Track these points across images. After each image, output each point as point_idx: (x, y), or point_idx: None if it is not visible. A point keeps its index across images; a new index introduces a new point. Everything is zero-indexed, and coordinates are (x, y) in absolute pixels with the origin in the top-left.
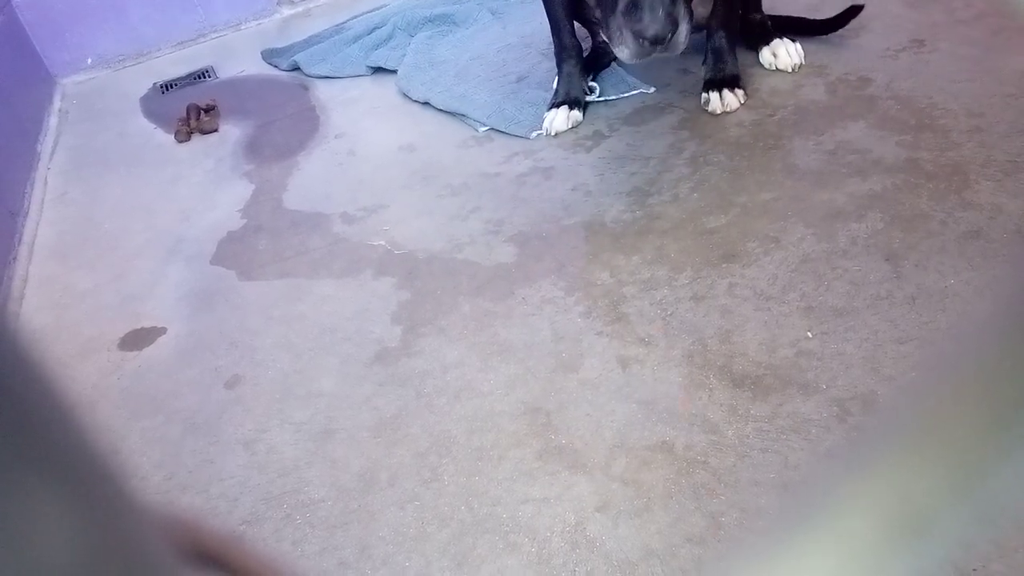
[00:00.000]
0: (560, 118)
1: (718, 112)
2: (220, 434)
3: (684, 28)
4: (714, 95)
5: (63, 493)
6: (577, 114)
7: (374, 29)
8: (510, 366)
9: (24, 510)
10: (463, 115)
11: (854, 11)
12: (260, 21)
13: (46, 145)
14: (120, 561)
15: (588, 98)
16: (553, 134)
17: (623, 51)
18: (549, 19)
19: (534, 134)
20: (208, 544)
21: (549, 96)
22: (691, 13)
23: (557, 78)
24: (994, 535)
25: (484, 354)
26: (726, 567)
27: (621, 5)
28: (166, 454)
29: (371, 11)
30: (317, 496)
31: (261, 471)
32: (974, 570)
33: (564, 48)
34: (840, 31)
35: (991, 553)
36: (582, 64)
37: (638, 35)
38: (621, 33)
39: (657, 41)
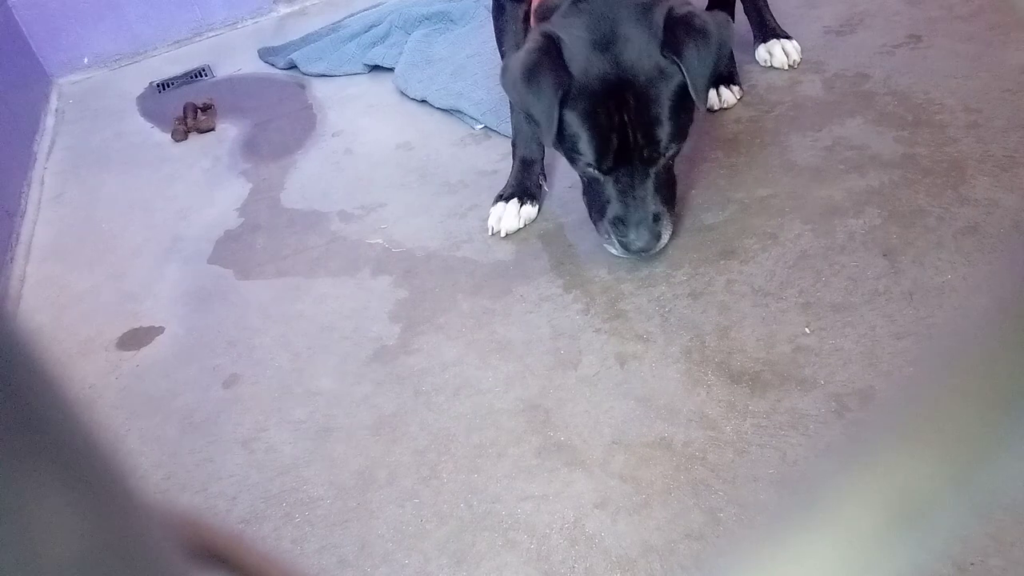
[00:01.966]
0: (510, 215)
1: (715, 108)
2: (218, 433)
3: (666, 236)
4: (711, 92)
5: (68, 490)
6: (530, 209)
7: (371, 27)
8: (509, 364)
9: (30, 507)
10: (460, 112)
11: None
12: (257, 20)
13: (43, 145)
14: (125, 558)
15: None
16: (503, 235)
17: (611, 249)
18: None
19: (488, 223)
20: (212, 541)
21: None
22: (674, 217)
23: (512, 164)
24: (992, 530)
25: (483, 352)
26: (725, 563)
27: (609, 214)
28: (164, 453)
29: (368, 9)
30: (316, 494)
31: (260, 470)
32: (972, 564)
33: (520, 124)
34: (838, 27)
35: (989, 547)
36: (543, 151)
37: (624, 245)
38: (609, 235)
39: (641, 251)
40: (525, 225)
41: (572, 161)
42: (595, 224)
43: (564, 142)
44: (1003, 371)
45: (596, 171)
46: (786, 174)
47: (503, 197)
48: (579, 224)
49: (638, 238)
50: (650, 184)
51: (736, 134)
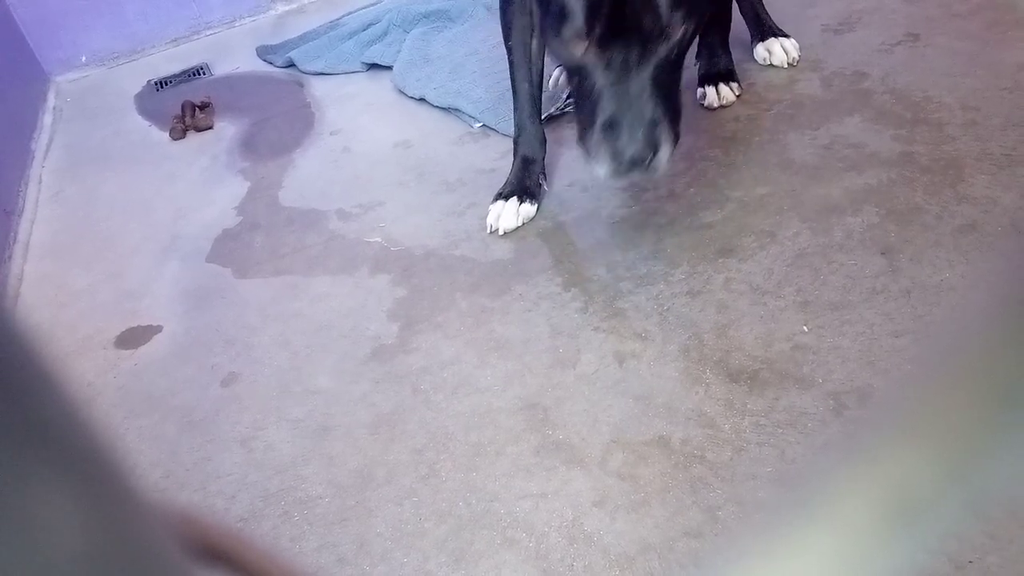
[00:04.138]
0: (509, 213)
1: (715, 106)
2: (217, 432)
3: (666, 151)
4: (710, 89)
5: (69, 488)
6: (529, 207)
7: (369, 25)
8: (507, 362)
9: (31, 505)
10: (458, 110)
11: None
12: (255, 18)
13: (40, 143)
14: (126, 556)
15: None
16: (501, 232)
17: (599, 168)
18: (512, 85)
19: (487, 220)
20: (212, 539)
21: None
22: (677, 135)
23: (512, 163)
24: (990, 528)
25: (481, 350)
26: (723, 561)
27: (599, 120)
28: (163, 452)
29: (366, 7)
30: (314, 493)
31: (258, 468)
32: (970, 562)
33: (523, 128)
34: (836, 25)
35: (986, 545)
36: (544, 145)
37: (615, 156)
38: (598, 149)
39: (635, 163)
40: (523, 224)
41: (558, 37)
42: (583, 143)
43: (549, 9)
44: (1001, 369)
45: (585, 47)
46: (784, 172)
47: (502, 195)
48: (578, 222)
49: (632, 142)
50: (647, 76)
51: (734, 132)
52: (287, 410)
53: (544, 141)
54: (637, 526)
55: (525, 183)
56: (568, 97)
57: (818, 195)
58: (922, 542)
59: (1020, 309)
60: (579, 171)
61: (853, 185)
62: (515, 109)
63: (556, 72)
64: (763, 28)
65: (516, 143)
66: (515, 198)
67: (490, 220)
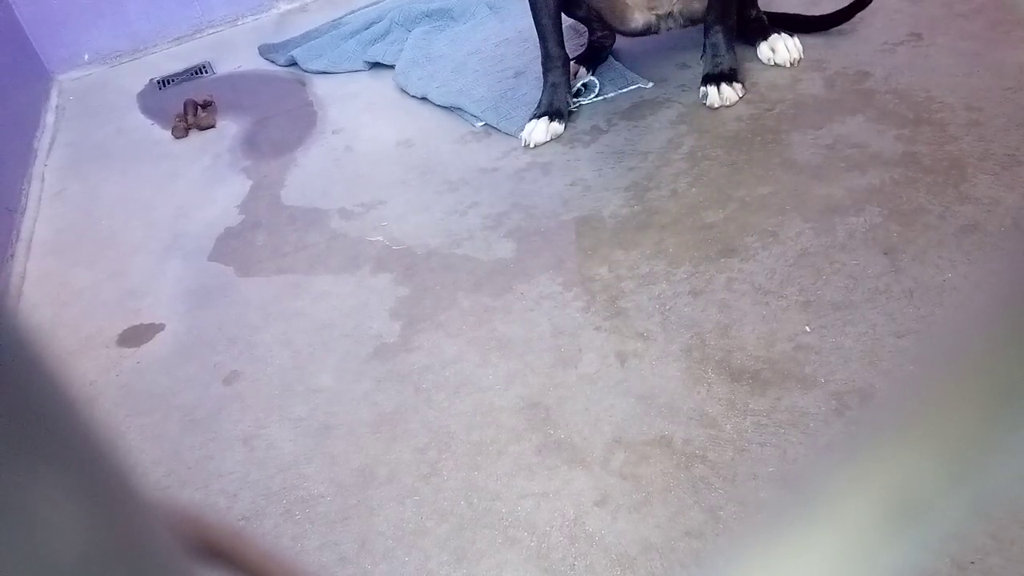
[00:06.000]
0: (539, 130)
1: (716, 106)
2: (219, 430)
3: None
4: (712, 89)
5: (70, 488)
6: (557, 126)
7: (371, 24)
8: (509, 361)
9: (32, 505)
10: (460, 109)
11: (861, 5)
12: (257, 17)
13: (43, 141)
14: (127, 555)
15: (585, 100)
16: (532, 146)
17: None
18: (536, 25)
19: (521, 135)
20: (215, 538)
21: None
22: None
23: (543, 88)
24: (992, 528)
25: (483, 349)
26: (725, 561)
27: None
28: (165, 451)
29: (368, 6)
30: (316, 492)
31: (260, 467)
32: (972, 563)
33: (550, 58)
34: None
35: (988, 546)
36: (568, 75)
37: None
38: None
39: None
40: (553, 138)
41: None
42: None
43: None
44: (1004, 370)
45: None
46: (787, 172)
47: (536, 116)
48: (580, 222)
49: None
50: None
51: (737, 132)
52: (289, 409)
53: (568, 64)
54: (639, 526)
55: (554, 105)
56: (575, 97)
57: (821, 195)
58: (924, 543)
59: (1023, 309)
60: (581, 171)
61: (856, 185)
62: (540, 41)
63: None
64: (765, 28)
65: (545, 70)
66: (546, 118)
67: (524, 135)
